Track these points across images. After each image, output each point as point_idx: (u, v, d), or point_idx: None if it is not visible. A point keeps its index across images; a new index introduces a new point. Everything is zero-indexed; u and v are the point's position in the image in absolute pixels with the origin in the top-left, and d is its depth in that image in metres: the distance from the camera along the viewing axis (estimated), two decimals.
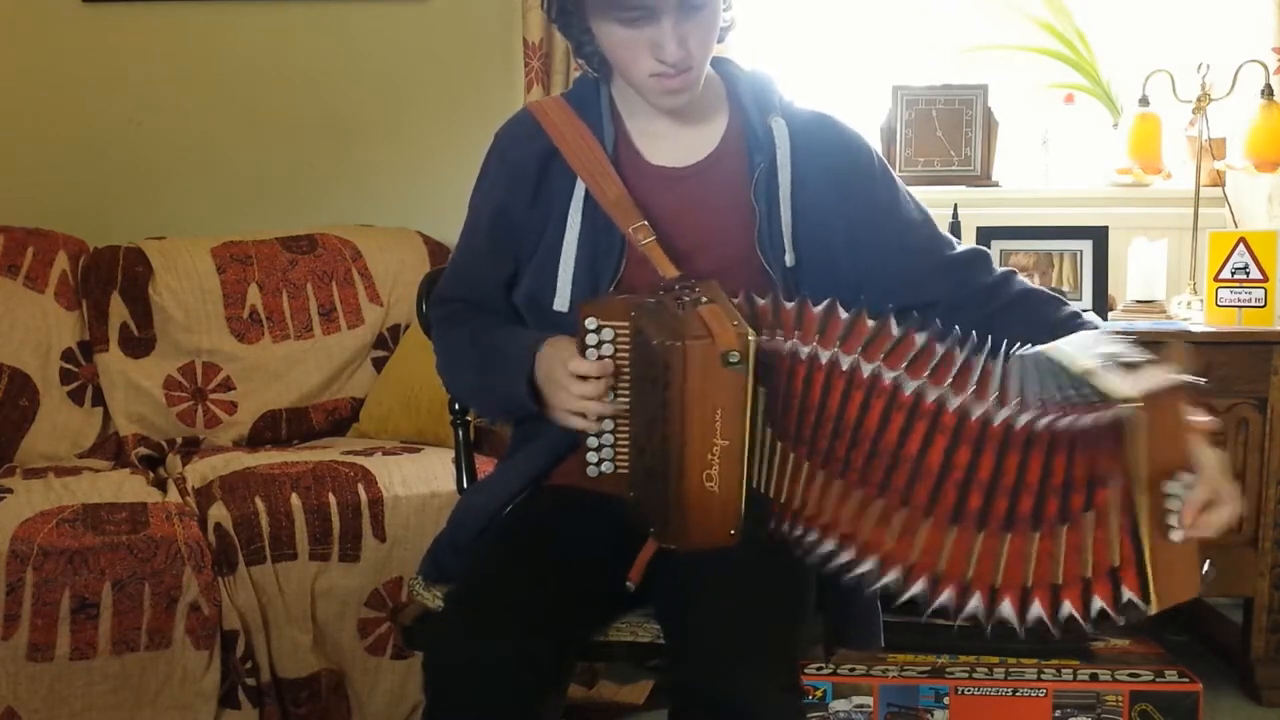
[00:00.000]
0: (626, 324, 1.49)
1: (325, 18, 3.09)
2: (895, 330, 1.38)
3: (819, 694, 2.29)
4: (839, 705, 2.29)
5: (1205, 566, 1.28)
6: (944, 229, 2.68)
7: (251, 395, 2.73)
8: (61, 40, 3.03)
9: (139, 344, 2.70)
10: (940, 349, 1.35)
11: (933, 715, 2.27)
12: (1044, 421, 1.27)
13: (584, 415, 1.48)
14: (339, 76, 3.10)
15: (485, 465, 1.98)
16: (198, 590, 2.12)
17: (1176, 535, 1.24)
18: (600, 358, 1.49)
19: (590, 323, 1.51)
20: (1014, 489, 1.29)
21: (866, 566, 1.36)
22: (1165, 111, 2.89)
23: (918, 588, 1.34)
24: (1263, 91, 2.73)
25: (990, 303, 1.57)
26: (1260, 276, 2.58)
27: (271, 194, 3.10)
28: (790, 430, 1.39)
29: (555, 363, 1.50)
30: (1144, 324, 2.61)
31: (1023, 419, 1.28)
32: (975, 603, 1.32)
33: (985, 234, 2.77)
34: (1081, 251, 2.76)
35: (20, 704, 2.07)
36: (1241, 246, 2.60)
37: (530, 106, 1.66)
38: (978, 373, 1.33)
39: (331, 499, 2.24)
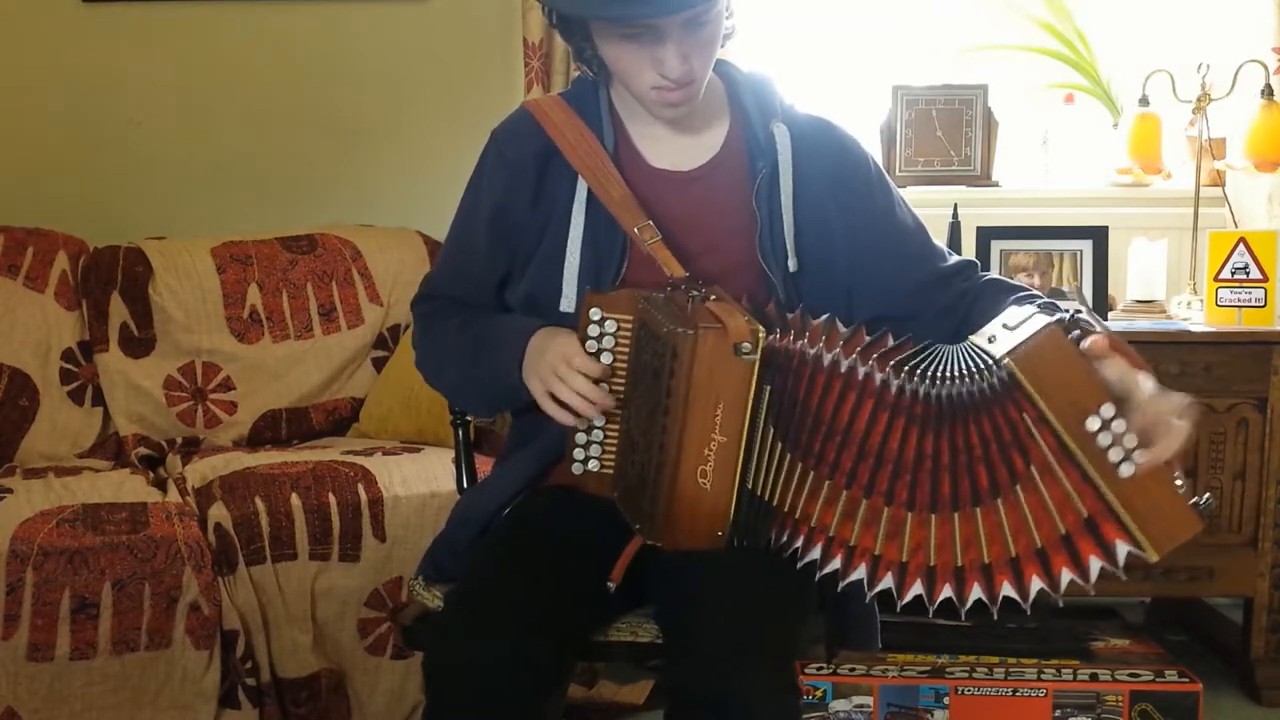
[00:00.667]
0: (631, 318, 1.50)
1: (325, 18, 3.09)
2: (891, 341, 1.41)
3: (819, 694, 2.29)
4: (839, 705, 2.29)
5: (1204, 497, 1.28)
6: (944, 229, 2.70)
7: (251, 395, 2.73)
8: (61, 40, 3.03)
9: (139, 344, 2.70)
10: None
11: (933, 715, 2.28)
12: (938, 391, 1.32)
13: (566, 406, 1.48)
14: (339, 76, 3.10)
15: (485, 465, 1.97)
16: (198, 590, 2.12)
17: (1126, 470, 1.26)
18: (600, 350, 1.49)
19: (595, 313, 1.51)
20: (968, 465, 1.32)
21: (858, 574, 1.37)
22: (1165, 111, 2.89)
23: (916, 589, 1.35)
24: (1263, 91, 2.73)
25: (963, 301, 1.58)
26: (1260, 276, 2.58)
27: (271, 194, 3.10)
28: (792, 433, 1.39)
29: (554, 343, 1.49)
30: (1144, 324, 2.62)
31: (921, 390, 1.32)
32: (977, 589, 1.33)
33: (985, 234, 2.78)
34: (1081, 251, 2.76)
35: (20, 704, 2.07)
36: (1241, 246, 2.60)
37: (528, 105, 1.65)
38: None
39: (331, 499, 2.24)
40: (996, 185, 3.01)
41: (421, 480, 2.32)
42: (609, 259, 1.58)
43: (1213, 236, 2.65)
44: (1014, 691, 2.27)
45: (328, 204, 3.09)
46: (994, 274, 1.64)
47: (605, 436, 1.53)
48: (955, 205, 2.74)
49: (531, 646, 1.38)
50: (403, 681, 2.31)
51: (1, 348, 2.62)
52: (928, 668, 2.33)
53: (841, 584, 1.39)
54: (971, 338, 1.37)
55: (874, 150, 2.96)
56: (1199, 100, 2.78)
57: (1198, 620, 2.92)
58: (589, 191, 1.58)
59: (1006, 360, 1.27)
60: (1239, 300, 2.60)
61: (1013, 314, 1.36)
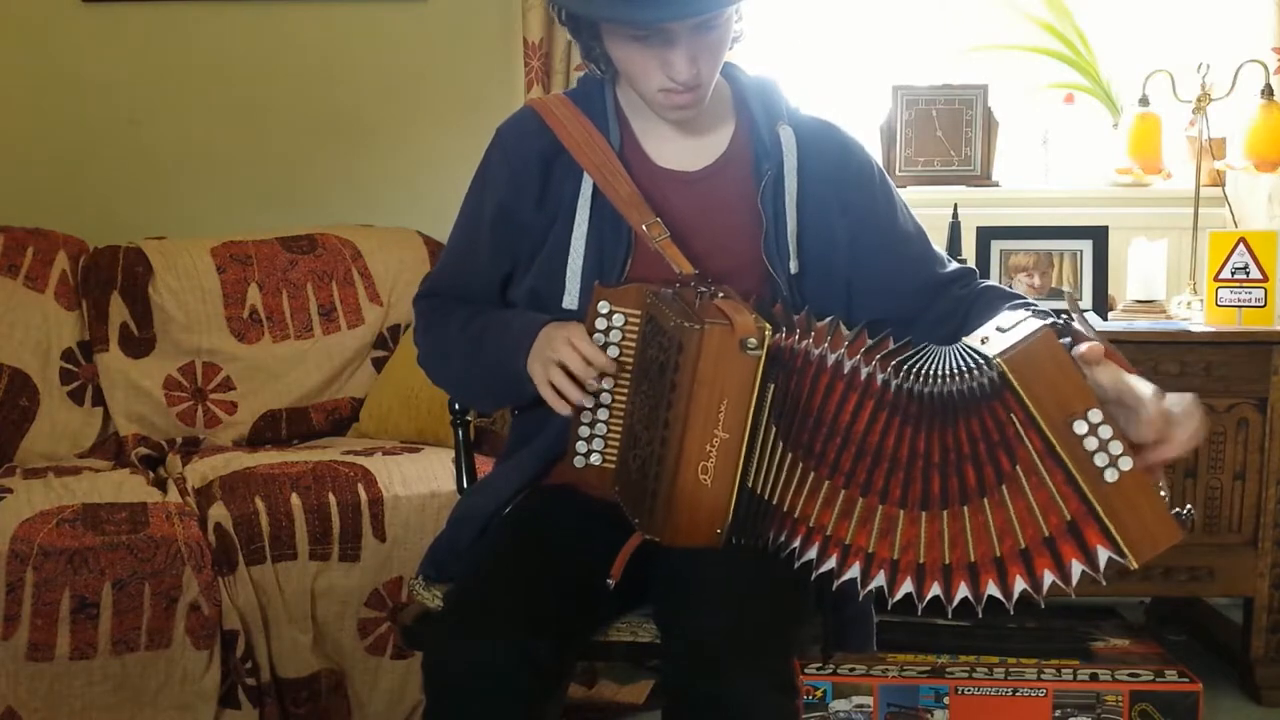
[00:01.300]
0: (639, 312, 1.50)
1: (325, 18, 3.09)
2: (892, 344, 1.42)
3: (819, 694, 2.28)
4: (839, 705, 2.28)
5: (1185, 508, 1.29)
6: (944, 229, 2.70)
7: (251, 395, 2.73)
8: (61, 40, 3.03)
9: (139, 344, 2.70)
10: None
11: (933, 715, 2.27)
12: (930, 389, 1.33)
13: (563, 394, 1.48)
14: (339, 76, 3.10)
15: (485, 465, 1.97)
16: (198, 590, 2.12)
17: (1110, 475, 1.27)
18: (607, 344, 1.50)
19: (603, 306, 1.51)
20: (957, 464, 1.33)
21: (852, 573, 1.37)
22: (1165, 111, 2.89)
23: (906, 587, 1.36)
24: (1263, 91, 2.73)
25: (960, 306, 1.58)
26: (1260, 276, 2.58)
27: (271, 194, 3.10)
28: (793, 432, 1.40)
29: (558, 331, 1.50)
30: (1144, 324, 2.62)
31: (914, 388, 1.34)
32: (964, 588, 1.34)
33: (985, 234, 2.78)
34: (1081, 251, 2.76)
35: (20, 704, 2.07)
36: (1241, 246, 2.60)
37: (533, 103, 1.66)
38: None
39: (331, 499, 2.24)
40: (996, 185, 3.01)
41: (421, 480, 2.32)
42: (614, 256, 1.58)
43: (1213, 236, 2.65)
44: (1014, 691, 2.27)
45: (328, 204, 3.09)
46: (992, 281, 1.65)
47: (608, 430, 1.53)
48: (955, 205, 2.74)
49: (531, 646, 1.38)
50: (403, 681, 2.31)
51: (1, 348, 2.62)
52: (928, 668, 2.33)
53: (836, 583, 1.39)
54: (965, 339, 1.38)
55: (874, 150, 2.96)
56: (1199, 100, 2.78)
57: (1198, 620, 2.91)
58: (594, 189, 1.58)
59: (998, 360, 1.29)
60: (1239, 300, 2.60)
61: (1007, 317, 1.37)
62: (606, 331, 1.51)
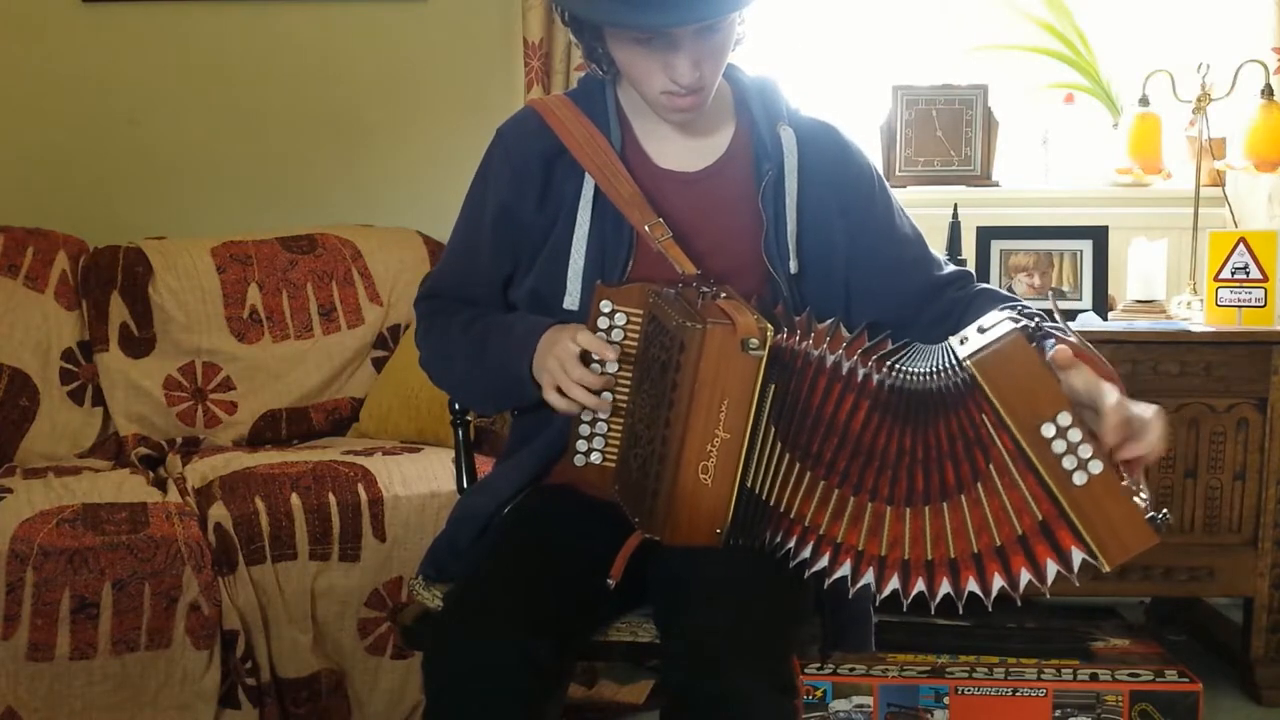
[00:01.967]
0: (641, 311, 1.50)
1: (325, 18, 3.09)
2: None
3: (819, 694, 2.28)
4: (839, 705, 2.28)
5: (1161, 512, 1.29)
6: (944, 229, 2.70)
7: (251, 395, 2.73)
8: (61, 40, 3.03)
9: (139, 344, 2.70)
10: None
11: (933, 715, 2.27)
12: (911, 386, 1.35)
13: (569, 396, 1.48)
14: (339, 76, 3.10)
15: (485, 465, 1.98)
16: (198, 590, 2.12)
17: (1079, 478, 1.28)
18: (609, 343, 1.50)
19: (605, 305, 1.51)
20: (938, 460, 1.34)
21: (843, 570, 1.38)
22: (1165, 111, 2.89)
23: (893, 583, 1.36)
24: (1263, 91, 2.73)
25: (956, 309, 1.58)
26: (1260, 276, 2.58)
27: (271, 194, 3.10)
28: (791, 433, 1.40)
29: (562, 333, 1.50)
30: (1144, 324, 2.62)
31: (896, 384, 1.35)
32: (946, 584, 1.35)
33: (985, 234, 2.78)
34: (1081, 251, 2.76)
35: (20, 704, 2.07)
36: (1241, 246, 2.60)
37: (534, 104, 1.66)
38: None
39: (331, 499, 2.24)
40: (996, 185, 3.01)
41: (421, 480, 2.32)
42: (615, 256, 1.58)
43: (1213, 236, 2.65)
44: (1014, 691, 2.26)
45: (328, 204, 3.09)
46: (988, 284, 1.65)
47: (609, 429, 1.53)
48: (955, 205, 2.74)
49: (531, 646, 1.38)
50: (403, 681, 2.31)
51: (1, 348, 2.62)
52: (928, 668, 2.33)
53: (827, 581, 1.39)
54: (950, 339, 1.39)
55: (874, 150, 2.97)
56: (1199, 100, 2.78)
57: (1198, 620, 2.92)
58: (595, 189, 1.58)
59: (968, 362, 1.30)
60: (1239, 300, 2.60)
61: (990, 318, 1.38)
62: (609, 331, 1.51)
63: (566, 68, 2.92)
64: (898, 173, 2.98)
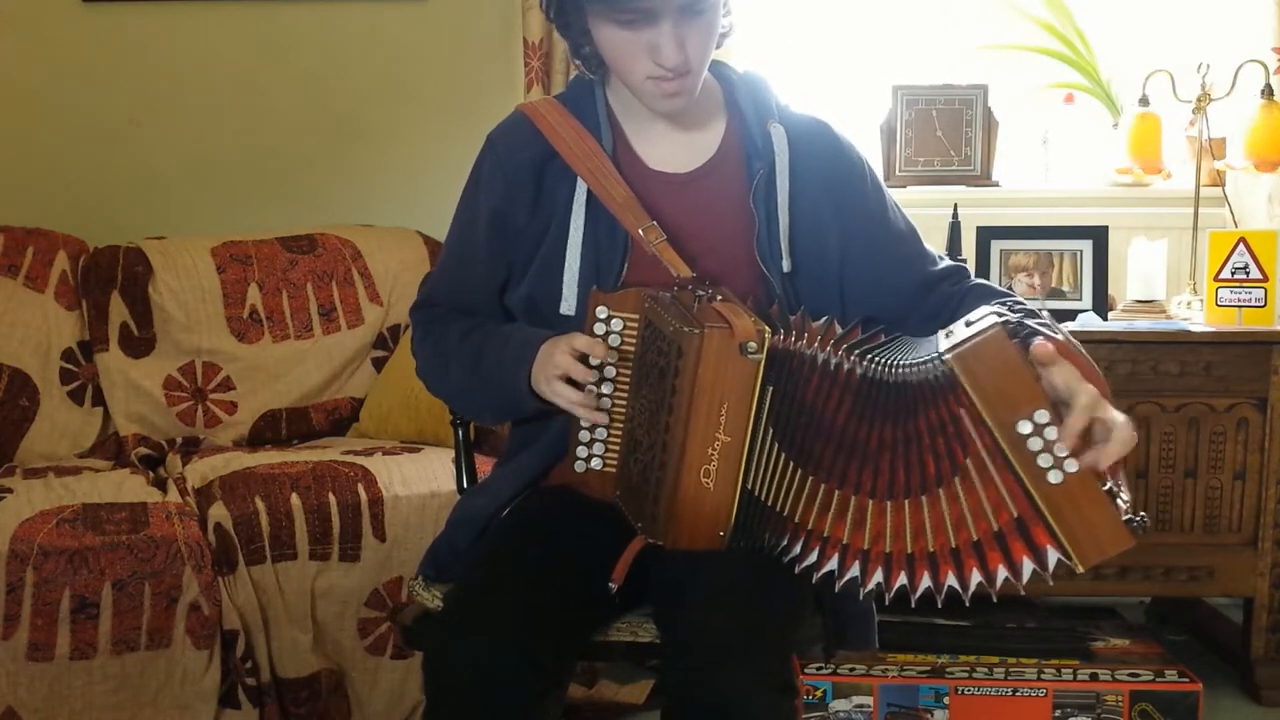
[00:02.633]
0: (638, 316, 1.50)
1: (325, 18, 3.09)
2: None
3: (819, 694, 2.29)
4: (839, 705, 2.29)
5: (1139, 515, 1.28)
6: (944, 228, 2.70)
7: (251, 395, 2.73)
8: (61, 40, 3.03)
9: (139, 344, 2.70)
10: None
11: (933, 715, 2.27)
12: (892, 377, 1.34)
13: (567, 397, 1.48)
14: (339, 76, 3.10)
15: (485, 465, 1.97)
16: (198, 590, 2.12)
17: (1054, 477, 1.27)
18: (607, 349, 1.49)
19: (601, 311, 1.51)
20: (918, 454, 1.33)
21: (831, 565, 1.38)
22: (1165, 111, 2.89)
23: (877, 577, 1.36)
24: (1263, 91, 2.73)
25: (949, 305, 1.58)
26: (1260, 276, 2.58)
27: (271, 194, 3.10)
28: (789, 435, 1.40)
29: (558, 342, 1.50)
30: (1144, 324, 2.62)
31: (878, 375, 1.35)
32: (926, 579, 1.34)
33: (985, 234, 2.78)
34: (1081, 251, 2.76)
35: (20, 704, 2.07)
36: (1241, 246, 2.60)
37: (524, 108, 1.65)
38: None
39: (331, 499, 2.24)
40: (996, 185, 3.01)
41: (421, 480, 2.32)
42: (610, 261, 1.58)
43: (1213, 236, 2.65)
44: (1014, 691, 2.27)
45: (328, 204, 3.09)
46: (982, 280, 1.64)
47: (609, 435, 1.53)
48: (955, 205, 2.74)
49: (531, 646, 1.38)
50: (403, 681, 2.31)
51: (1, 348, 2.62)
52: (928, 668, 2.33)
53: (815, 576, 1.39)
54: (939, 332, 1.38)
55: (874, 150, 2.97)
56: (1199, 100, 2.78)
57: (1198, 620, 2.92)
58: (588, 193, 1.58)
59: (948, 356, 1.29)
60: (1239, 300, 2.60)
61: (977, 313, 1.37)
62: (605, 337, 1.51)
63: (566, 68, 2.92)
64: (898, 173, 2.98)
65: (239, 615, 2.17)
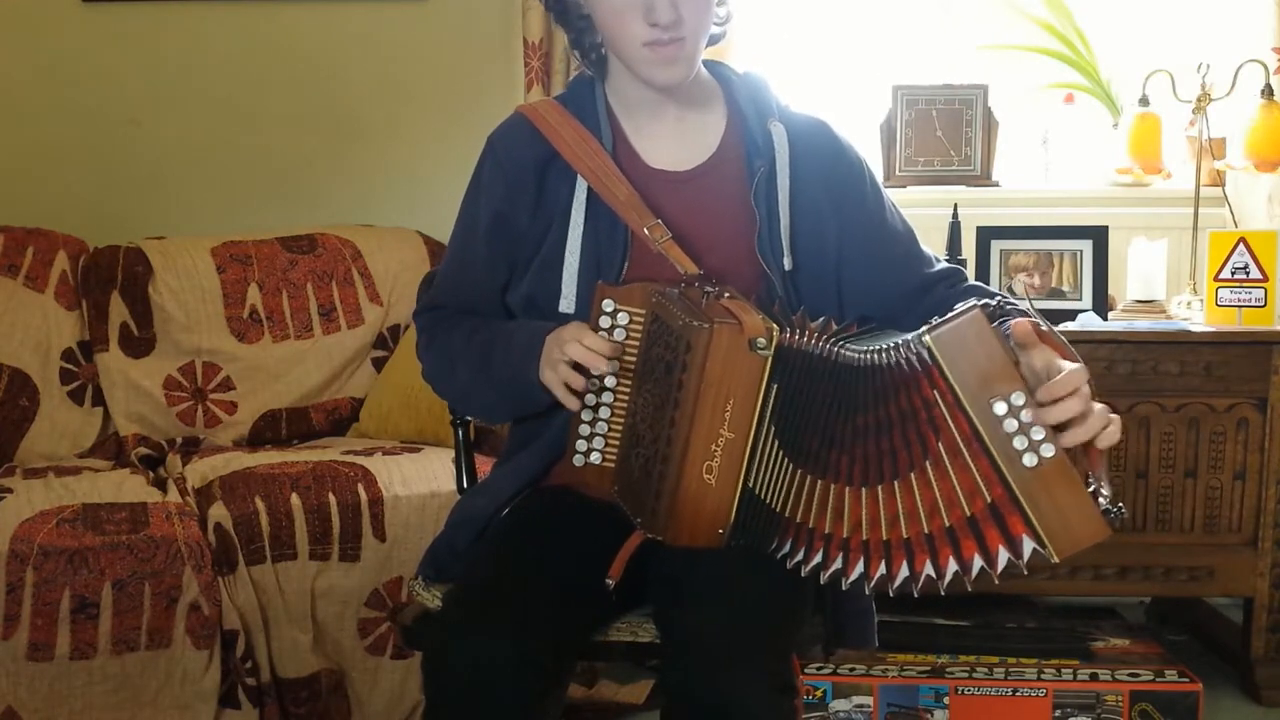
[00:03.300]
0: (644, 311, 1.50)
1: (325, 18, 3.09)
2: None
3: (819, 694, 2.29)
4: (839, 705, 2.29)
5: (1117, 506, 1.26)
6: (944, 228, 2.70)
7: (251, 395, 2.73)
8: (61, 40, 3.03)
9: (139, 344, 2.70)
10: None
11: (933, 715, 2.28)
12: (865, 360, 1.34)
13: (572, 387, 1.48)
14: (339, 76, 3.10)
15: (485, 465, 1.97)
16: (198, 590, 2.12)
17: (1029, 460, 1.26)
18: (611, 342, 1.49)
19: (607, 304, 1.51)
20: (890, 441, 1.33)
21: (818, 558, 1.38)
22: (1165, 111, 2.89)
23: (859, 567, 1.36)
24: (1263, 91, 2.73)
25: (943, 306, 1.57)
26: (1260, 276, 2.58)
27: (271, 194, 3.10)
28: (788, 432, 1.40)
29: (564, 331, 1.50)
30: (1144, 324, 2.62)
31: (853, 359, 1.35)
32: (904, 568, 1.34)
33: (985, 234, 2.78)
34: (1081, 251, 2.76)
35: (20, 704, 2.07)
36: (1241, 246, 2.60)
37: (524, 110, 1.65)
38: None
39: (331, 499, 2.24)
40: (996, 185, 3.01)
41: (421, 480, 2.32)
42: (611, 258, 1.58)
43: (1213, 236, 2.65)
44: (1014, 691, 2.27)
45: (328, 204, 3.09)
46: (978, 283, 1.64)
47: (609, 429, 1.53)
48: (955, 205, 2.74)
49: (531, 646, 1.38)
50: (403, 681, 2.31)
51: (1, 348, 2.62)
52: (928, 668, 2.33)
53: (805, 569, 1.39)
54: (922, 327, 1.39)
55: (874, 150, 2.97)
56: (1199, 100, 2.78)
57: (1198, 620, 2.92)
58: (589, 191, 1.58)
59: (926, 337, 1.29)
60: (1239, 300, 2.60)
61: (961, 305, 1.36)
62: (610, 330, 1.51)
63: (566, 68, 2.92)
64: (898, 173, 2.98)
65: (239, 615, 2.17)
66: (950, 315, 1.30)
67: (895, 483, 1.33)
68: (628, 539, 1.49)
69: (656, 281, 1.53)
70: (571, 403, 1.49)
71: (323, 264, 2.81)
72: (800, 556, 1.40)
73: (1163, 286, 2.79)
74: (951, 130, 2.99)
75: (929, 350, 1.29)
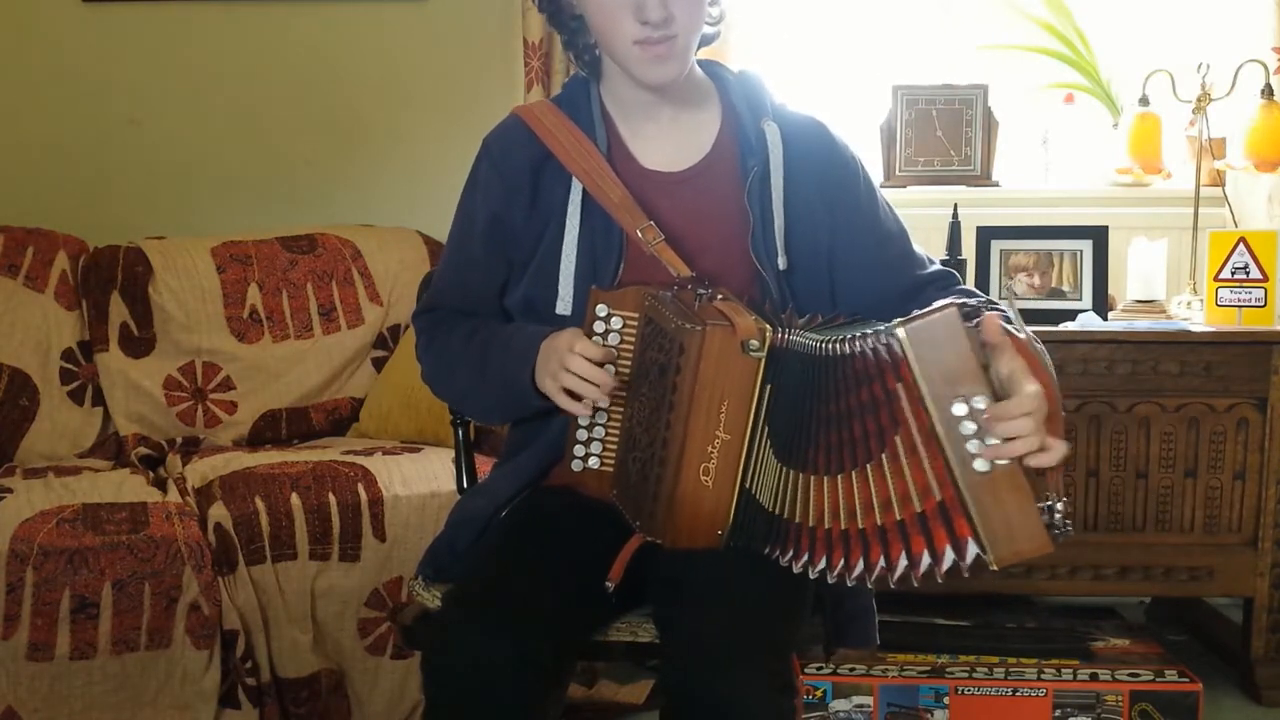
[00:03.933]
0: (637, 315, 1.50)
1: (325, 18, 3.09)
2: None
3: (819, 694, 2.29)
4: (839, 705, 2.29)
5: (1064, 524, 1.26)
6: (944, 228, 2.69)
7: (251, 395, 2.73)
8: (61, 40, 3.03)
9: (139, 344, 2.70)
10: None
11: (933, 715, 2.28)
12: (832, 348, 1.33)
13: (575, 394, 1.48)
14: (339, 76, 3.10)
15: (485, 465, 1.97)
16: (198, 590, 2.12)
17: (980, 465, 1.26)
18: (605, 347, 1.49)
19: (601, 309, 1.51)
20: (850, 430, 1.33)
21: (806, 556, 1.37)
22: (1165, 111, 2.89)
23: (824, 559, 1.35)
24: (1263, 91, 2.73)
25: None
26: (1260, 276, 2.58)
27: (271, 194, 3.10)
28: (782, 433, 1.40)
29: (560, 339, 1.50)
30: (1144, 324, 2.62)
31: (812, 349, 1.34)
32: (860, 562, 1.33)
33: (985, 234, 2.78)
34: (1081, 251, 2.76)
35: (20, 704, 2.07)
36: (1241, 246, 2.60)
37: (519, 111, 1.65)
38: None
39: (331, 499, 2.24)
40: (996, 185, 3.01)
41: (421, 480, 2.32)
42: (606, 260, 1.58)
43: (1213, 236, 2.65)
44: (1014, 691, 2.27)
45: (328, 204, 3.09)
46: (969, 287, 1.64)
47: (606, 434, 1.53)
48: (955, 205, 2.74)
49: (531, 646, 1.38)
50: (403, 681, 2.31)
51: (1, 348, 2.62)
52: (928, 668, 2.33)
53: (795, 566, 1.38)
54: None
55: (874, 150, 2.97)
56: (1199, 100, 2.78)
57: (1198, 620, 2.92)
58: (584, 193, 1.58)
59: (899, 330, 1.28)
60: (1239, 300, 2.60)
61: (940, 301, 1.36)
62: (605, 335, 1.51)
63: (566, 68, 2.91)
64: (898, 173, 2.98)
65: (239, 615, 2.17)
66: (926, 310, 1.29)
67: (854, 473, 1.33)
68: (627, 540, 1.49)
69: (651, 284, 1.53)
70: (574, 408, 1.49)
71: (323, 264, 2.81)
72: (791, 554, 1.39)
73: (1163, 286, 2.79)
74: (951, 130, 2.99)
75: (900, 342, 1.28)
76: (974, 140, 2.98)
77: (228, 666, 2.16)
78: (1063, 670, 2.33)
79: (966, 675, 2.30)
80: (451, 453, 1.95)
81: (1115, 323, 2.65)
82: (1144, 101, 2.88)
